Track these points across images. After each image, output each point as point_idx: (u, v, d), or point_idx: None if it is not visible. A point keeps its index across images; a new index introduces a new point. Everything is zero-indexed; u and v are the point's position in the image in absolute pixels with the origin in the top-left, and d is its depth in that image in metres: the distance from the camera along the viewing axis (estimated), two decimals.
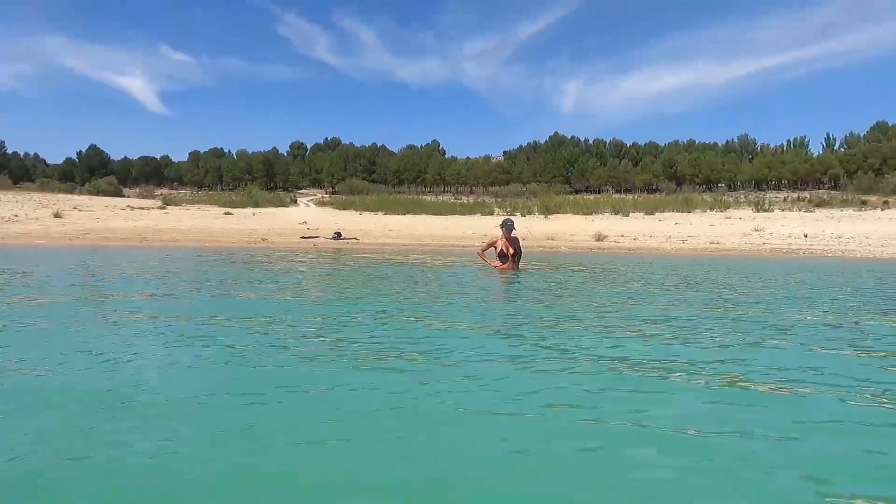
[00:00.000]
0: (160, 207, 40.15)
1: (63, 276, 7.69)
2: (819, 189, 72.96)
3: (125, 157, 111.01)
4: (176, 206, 44.82)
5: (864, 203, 46.14)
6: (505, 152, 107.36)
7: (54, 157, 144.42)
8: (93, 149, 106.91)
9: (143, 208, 38.14)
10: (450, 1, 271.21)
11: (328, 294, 6.58)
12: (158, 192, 77.57)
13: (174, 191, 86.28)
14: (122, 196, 65.94)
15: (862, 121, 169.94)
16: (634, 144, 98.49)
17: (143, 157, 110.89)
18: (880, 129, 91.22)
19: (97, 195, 52.52)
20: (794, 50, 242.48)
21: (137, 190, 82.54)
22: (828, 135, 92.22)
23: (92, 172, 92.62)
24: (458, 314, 4.91)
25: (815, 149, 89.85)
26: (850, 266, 11.94)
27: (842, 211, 41.59)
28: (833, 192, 65.44)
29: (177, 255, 12.41)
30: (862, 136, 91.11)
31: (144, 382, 2.71)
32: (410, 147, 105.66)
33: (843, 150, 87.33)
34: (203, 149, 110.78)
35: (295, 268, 9.67)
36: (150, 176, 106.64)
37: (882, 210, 41.71)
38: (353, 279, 8.10)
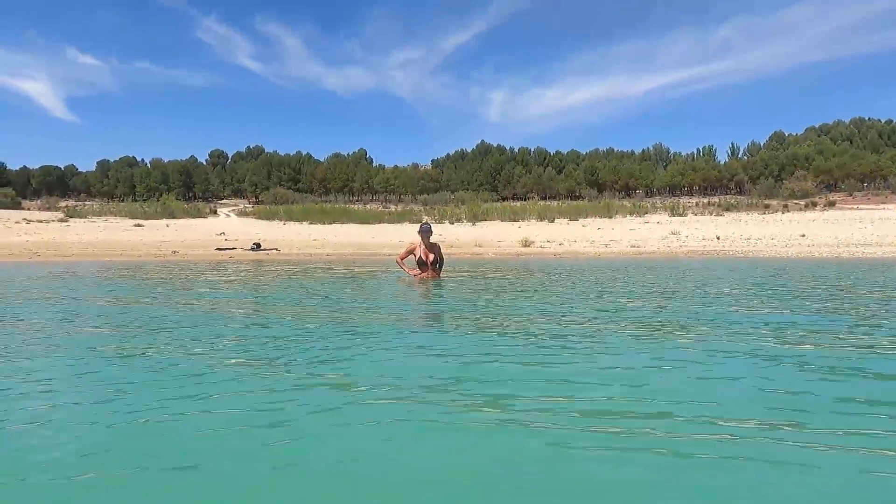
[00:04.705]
0: (61, 220, 37.13)
1: None
2: (727, 194, 77.83)
3: (24, 167, 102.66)
4: (80, 218, 41.66)
5: (766, 207, 49.47)
6: (433, 160, 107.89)
7: None
8: None
9: (41, 221, 35.12)
10: (375, 11, 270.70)
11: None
12: (63, 203, 72.00)
13: (81, 202, 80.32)
14: (20, 208, 60.86)
15: (761, 130, 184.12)
16: (557, 153, 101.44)
17: (44, 166, 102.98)
18: (777, 138, 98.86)
19: None
20: (698, 65, 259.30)
21: (39, 202, 76.39)
22: (732, 143, 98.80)
23: None
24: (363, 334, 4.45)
25: (722, 157, 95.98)
26: (768, 264, 12.44)
27: (748, 214, 44.34)
28: (739, 196, 69.90)
29: (54, 271, 11.19)
30: (762, 144, 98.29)
31: None
32: (337, 155, 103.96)
33: (746, 157, 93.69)
34: (113, 157, 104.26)
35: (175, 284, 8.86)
36: (52, 187, 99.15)
37: (783, 213, 44.85)
38: (253, 292, 7.45)
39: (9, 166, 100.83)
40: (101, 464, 1.90)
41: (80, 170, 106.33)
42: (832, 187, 73.18)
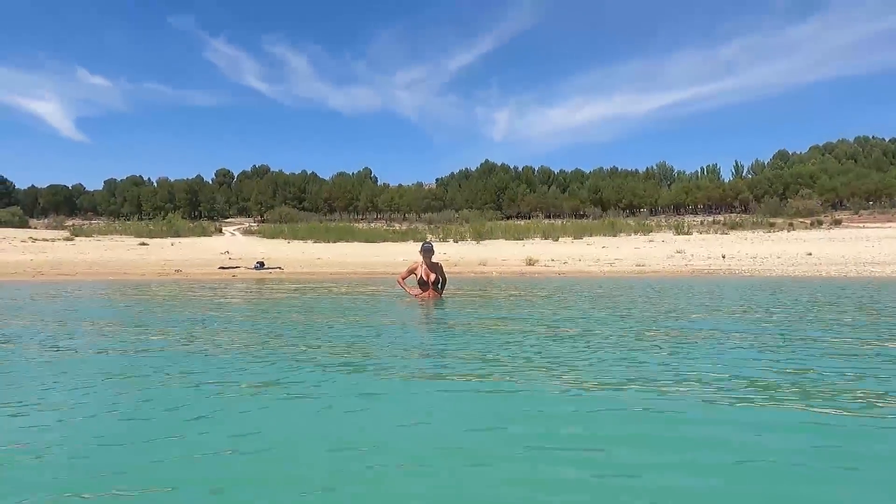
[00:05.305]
0: (67, 238, 37.32)
1: None
2: (731, 212, 77.64)
3: (32, 186, 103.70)
4: (86, 237, 41.87)
5: (772, 225, 49.29)
6: (437, 179, 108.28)
7: None
8: None
9: (46, 240, 35.30)
10: (381, 31, 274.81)
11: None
12: (70, 222, 72.47)
13: (88, 221, 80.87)
14: (28, 227, 61.30)
15: (766, 149, 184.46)
16: (562, 171, 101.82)
17: (52, 185, 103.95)
18: (782, 157, 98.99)
19: None
20: (702, 84, 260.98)
21: (46, 221, 76.92)
22: (736, 162, 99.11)
23: None
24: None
25: (726, 175, 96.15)
26: (784, 283, 12.28)
27: (753, 233, 44.14)
28: (744, 215, 69.69)
29: (45, 290, 11.15)
30: (766, 162, 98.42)
31: None
32: (342, 174, 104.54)
33: (750, 175, 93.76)
34: (120, 176, 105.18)
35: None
36: (59, 206, 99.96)
37: (788, 231, 44.65)
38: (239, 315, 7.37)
39: (17, 185, 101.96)
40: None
41: (87, 189, 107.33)
42: (837, 206, 72.92)
